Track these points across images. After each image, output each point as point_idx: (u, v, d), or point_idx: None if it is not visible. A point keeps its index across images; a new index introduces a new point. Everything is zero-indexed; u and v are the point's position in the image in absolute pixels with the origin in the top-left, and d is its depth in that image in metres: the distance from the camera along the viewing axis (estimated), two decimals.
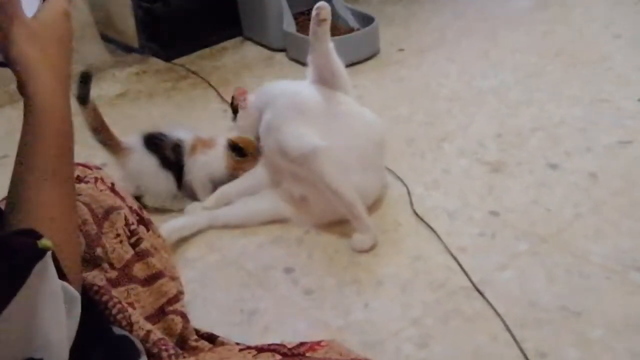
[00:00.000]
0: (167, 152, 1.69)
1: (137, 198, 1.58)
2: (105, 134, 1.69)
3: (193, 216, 1.65)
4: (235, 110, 1.76)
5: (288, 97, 1.59)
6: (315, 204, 1.55)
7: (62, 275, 0.73)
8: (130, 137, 1.74)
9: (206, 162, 1.70)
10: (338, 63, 1.57)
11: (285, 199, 1.61)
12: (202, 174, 1.70)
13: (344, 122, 1.55)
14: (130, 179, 1.68)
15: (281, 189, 1.62)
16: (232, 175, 1.70)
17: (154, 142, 1.70)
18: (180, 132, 1.74)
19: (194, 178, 1.70)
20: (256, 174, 1.69)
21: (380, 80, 2.30)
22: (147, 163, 1.68)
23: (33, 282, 0.66)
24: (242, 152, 1.69)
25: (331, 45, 1.52)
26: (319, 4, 1.46)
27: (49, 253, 0.68)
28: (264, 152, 1.64)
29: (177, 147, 1.70)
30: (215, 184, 1.70)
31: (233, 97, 1.77)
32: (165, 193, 1.70)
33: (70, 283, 0.75)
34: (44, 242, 0.67)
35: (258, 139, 1.68)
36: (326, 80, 1.58)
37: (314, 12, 1.46)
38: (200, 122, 2.14)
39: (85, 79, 1.62)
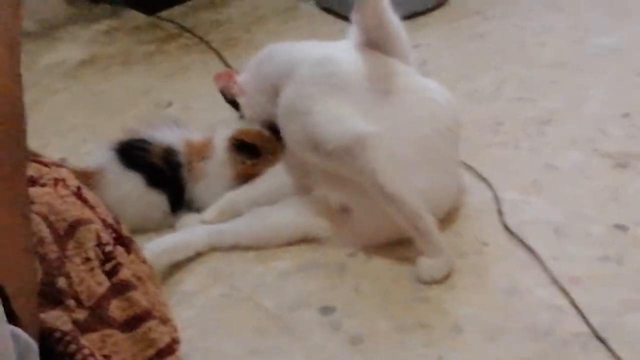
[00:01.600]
0: (156, 162, 1.70)
1: None
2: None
3: (189, 233, 1.66)
4: (235, 104, 1.78)
5: (318, 64, 1.58)
6: (362, 217, 1.55)
7: (12, 318, 0.73)
8: (96, 153, 1.74)
9: (210, 180, 1.72)
10: (395, 23, 1.57)
11: (320, 211, 1.61)
12: (212, 195, 1.71)
13: (402, 101, 1.54)
14: None
15: (313, 196, 1.62)
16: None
17: (135, 154, 1.71)
18: (166, 131, 1.75)
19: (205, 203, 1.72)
20: (276, 175, 1.70)
21: (453, 39, 2.29)
22: (129, 186, 1.69)
23: None
24: (256, 151, 1.70)
25: (386, 1, 1.52)
26: None
27: None
28: (287, 145, 1.65)
29: (169, 153, 1.71)
30: None
31: (222, 92, 1.79)
32: (157, 219, 1.72)
33: (23, 328, 0.75)
34: None
35: (272, 128, 1.69)
36: (377, 45, 1.58)
37: None
38: (196, 100, 2.15)
39: None
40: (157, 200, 1.70)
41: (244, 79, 1.75)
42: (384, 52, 1.58)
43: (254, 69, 1.73)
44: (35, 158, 1.19)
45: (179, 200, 1.72)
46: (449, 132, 1.58)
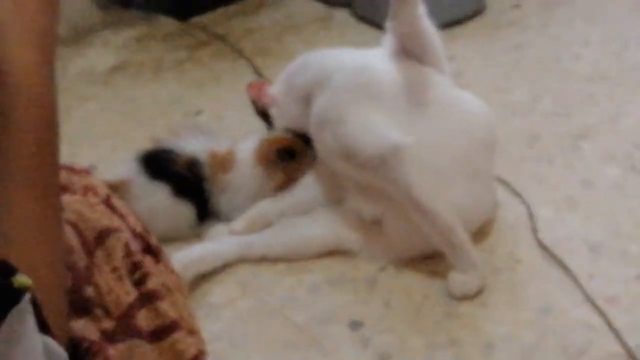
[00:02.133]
0: (181, 171, 1.70)
1: None
2: None
3: (217, 243, 1.66)
4: (264, 115, 1.78)
5: (353, 73, 1.59)
6: (394, 230, 1.55)
7: (43, 327, 0.73)
8: (122, 165, 1.75)
9: (233, 192, 1.72)
10: (430, 32, 1.56)
11: (351, 223, 1.61)
12: (236, 207, 1.72)
13: (438, 112, 1.54)
14: None
15: (344, 208, 1.62)
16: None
17: (160, 164, 1.71)
18: (192, 141, 1.75)
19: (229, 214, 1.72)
20: (306, 186, 1.70)
21: (488, 50, 2.28)
22: (156, 197, 1.69)
23: (5, 336, 0.66)
24: (295, 154, 1.70)
25: (422, 9, 1.52)
26: None
27: (27, 295, 0.68)
28: (319, 155, 1.65)
29: (193, 165, 1.71)
30: None
31: (253, 102, 1.80)
32: (185, 229, 1.72)
33: (54, 338, 0.75)
34: (21, 279, 0.68)
35: (303, 137, 1.70)
36: (412, 53, 1.57)
37: None
38: (227, 109, 2.16)
39: None
40: (185, 210, 1.71)
41: (276, 89, 1.75)
42: (418, 61, 1.57)
43: (286, 79, 1.73)
44: (65, 165, 1.20)
45: (206, 210, 1.72)
46: (485, 145, 1.57)
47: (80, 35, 2.69)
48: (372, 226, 1.58)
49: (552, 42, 2.28)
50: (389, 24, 1.57)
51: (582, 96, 2.01)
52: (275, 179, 1.71)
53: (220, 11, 2.74)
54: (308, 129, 1.66)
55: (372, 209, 1.56)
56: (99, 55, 2.57)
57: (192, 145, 1.73)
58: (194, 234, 1.72)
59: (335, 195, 1.65)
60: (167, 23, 2.72)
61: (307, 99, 1.65)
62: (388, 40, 1.60)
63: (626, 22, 2.32)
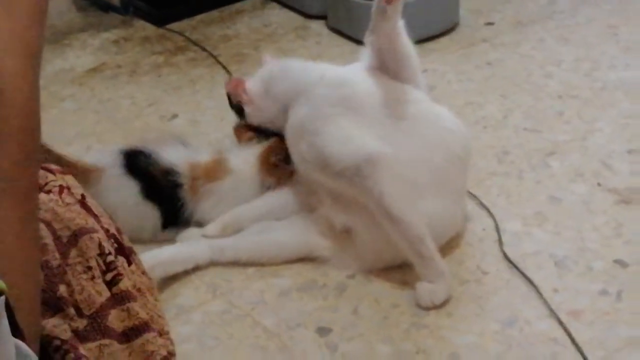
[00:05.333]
0: (156, 175, 1.69)
1: None
2: (57, 162, 1.66)
3: (188, 246, 1.66)
4: (238, 109, 1.78)
5: (331, 86, 1.59)
6: (365, 240, 1.56)
7: (16, 330, 0.73)
8: (101, 151, 1.76)
9: (222, 198, 1.71)
10: (408, 48, 1.58)
11: (323, 231, 1.61)
12: (219, 214, 1.70)
13: (414, 127, 1.55)
14: None
15: (317, 215, 1.62)
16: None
17: (138, 163, 1.70)
18: (172, 150, 1.74)
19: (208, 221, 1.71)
20: (281, 193, 1.71)
21: (461, 66, 2.29)
22: (124, 191, 1.68)
23: None
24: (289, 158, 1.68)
25: (401, 24, 1.53)
26: None
27: (1, 299, 0.68)
28: (294, 163, 1.65)
29: (170, 173, 1.70)
30: None
31: (229, 95, 1.80)
32: (147, 231, 1.71)
33: (26, 341, 0.75)
34: None
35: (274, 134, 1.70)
36: (389, 69, 1.59)
37: None
38: (202, 114, 2.16)
39: None
40: (150, 213, 1.69)
41: (253, 86, 1.74)
42: (395, 76, 1.58)
43: (265, 81, 1.72)
44: (42, 165, 1.19)
45: (172, 218, 1.71)
46: (459, 161, 1.58)
47: (59, 37, 2.67)
48: (343, 235, 1.58)
49: (524, 60, 2.30)
50: (367, 39, 1.57)
51: (552, 113, 2.03)
52: (269, 183, 1.71)
53: (198, 18, 2.74)
54: (279, 130, 1.68)
55: (344, 217, 1.57)
56: (77, 56, 2.56)
57: (172, 154, 1.72)
58: (156, 239, 1.69)
59: (309, 203, 1.65)
60: (145, 27, 2.72)
61: (284, 105, 1.66)
62: (366, 55, 1.61)
63: (597, 43, 2.34)
